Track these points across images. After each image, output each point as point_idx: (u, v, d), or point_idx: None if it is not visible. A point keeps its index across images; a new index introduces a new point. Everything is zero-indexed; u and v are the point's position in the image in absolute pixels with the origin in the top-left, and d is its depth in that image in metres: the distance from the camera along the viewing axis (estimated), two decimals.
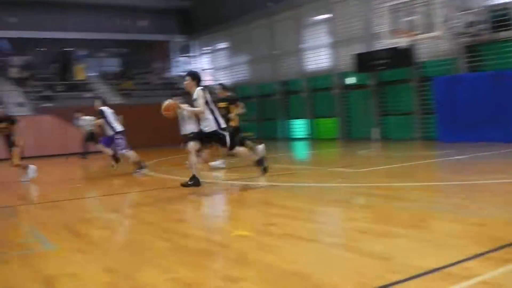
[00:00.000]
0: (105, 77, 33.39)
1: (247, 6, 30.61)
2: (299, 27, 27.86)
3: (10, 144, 13.35)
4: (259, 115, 30.64)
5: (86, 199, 10.22)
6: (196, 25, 36.57)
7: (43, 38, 33.80)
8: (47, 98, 28.38)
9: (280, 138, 28.95)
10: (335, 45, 25.67)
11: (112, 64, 37.10)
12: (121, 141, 13.78)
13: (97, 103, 14.38)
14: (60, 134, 25.71)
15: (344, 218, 7.00)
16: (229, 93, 14.50)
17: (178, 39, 38.11)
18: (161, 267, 4.82)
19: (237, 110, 13.95)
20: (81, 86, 30.81)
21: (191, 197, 9.31)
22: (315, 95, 27.27)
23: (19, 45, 34.21)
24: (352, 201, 8.27)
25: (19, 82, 29.75)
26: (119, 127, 13.89)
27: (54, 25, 32.92)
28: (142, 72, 35.30)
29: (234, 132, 13.90)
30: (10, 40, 34.49)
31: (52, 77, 31.44)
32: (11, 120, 13.46)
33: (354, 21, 24.39)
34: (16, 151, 13.29)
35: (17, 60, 32.38)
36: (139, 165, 13.93)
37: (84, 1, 33.72)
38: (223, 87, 14.70)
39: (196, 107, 9.58)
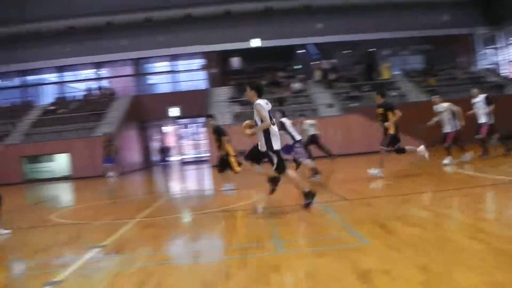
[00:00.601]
0: (409, 75, 33.35)
1: None
2: None
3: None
4: None
5: (396, 196, 10.33)
6: (501, 14, 34.59)
7: (348, 41, 35.09)
8: (354, 98, 29.34)
9: None
10: None
11: (416, 62, 36.94)
12: (299, 149, 14.45)
13: (277, 115, 15.10)
14: (366, 132, 26.33)
15: None
16: (385, 99, 13.66)
17: (482, 31, 36.46)
18: (477, 269, 4.70)
19: (394, 117, 13.21)
20: (387, 85, 31.22)
21: (502, 197, 8.86)
22: None
23: (325, 50, 36.01)
24: None
25: (327, 84, 31.25)
26: (297, 137, 14.49)
27: (358, 27, 34.01)
28: (447, 68, 34.45)
29: (393, 140, 13.24)
30: (317, 45, 36.48)
31: (358, 78, 32.40)
32: (221, 131, 13.88)
33: None
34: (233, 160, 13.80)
35: (324, 63, 34.07)
36: (315, 172, 14.41)
37: (385, 2, 34.18)
38: (380, 93, 13.83)
39: (260, 120, 9.05)
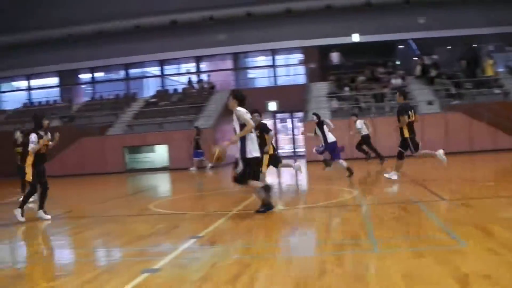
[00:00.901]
0: None
1: None
2: None
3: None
4: None
5: (496, 198, 9.97)
6: None
7: (450, 36, 34.05)
8: (455, 96, 28.47)
9: None
10: None
11: None
12: (320, 150, 15.74)
13: (315, 118, 16.39)
14: (467, 131, 25.57)
15: None
16: (405, 101, 13.44)
17: None
18: None
19: (400, 124, 13.04)
20: (490, 82, 30.12)
21: None
22: None
23: (426, 45, 35.09)
24: None
25: (428, 80, 30.49)
26: (329, 139, 15.49)
27: (461, 22, 32.92)
28: None
29: (408, 143, 12.99)
30: (418, 40, 35.62)
31: (460, 75, 31.41)
32: (264, 128, 13.53)
33: None
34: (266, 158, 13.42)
35: (425, 59, 33.22)
36: (327, 164, 16.06)
37: None
38: (402, 93, 13.57)
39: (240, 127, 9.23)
